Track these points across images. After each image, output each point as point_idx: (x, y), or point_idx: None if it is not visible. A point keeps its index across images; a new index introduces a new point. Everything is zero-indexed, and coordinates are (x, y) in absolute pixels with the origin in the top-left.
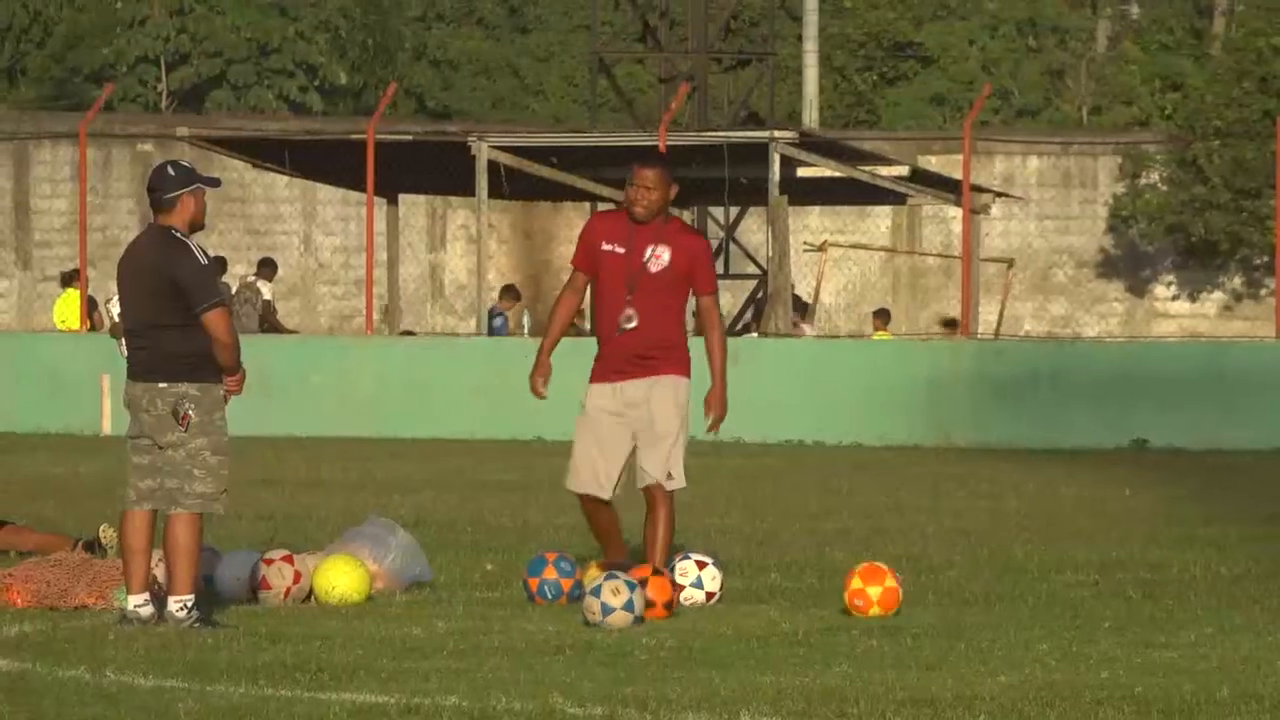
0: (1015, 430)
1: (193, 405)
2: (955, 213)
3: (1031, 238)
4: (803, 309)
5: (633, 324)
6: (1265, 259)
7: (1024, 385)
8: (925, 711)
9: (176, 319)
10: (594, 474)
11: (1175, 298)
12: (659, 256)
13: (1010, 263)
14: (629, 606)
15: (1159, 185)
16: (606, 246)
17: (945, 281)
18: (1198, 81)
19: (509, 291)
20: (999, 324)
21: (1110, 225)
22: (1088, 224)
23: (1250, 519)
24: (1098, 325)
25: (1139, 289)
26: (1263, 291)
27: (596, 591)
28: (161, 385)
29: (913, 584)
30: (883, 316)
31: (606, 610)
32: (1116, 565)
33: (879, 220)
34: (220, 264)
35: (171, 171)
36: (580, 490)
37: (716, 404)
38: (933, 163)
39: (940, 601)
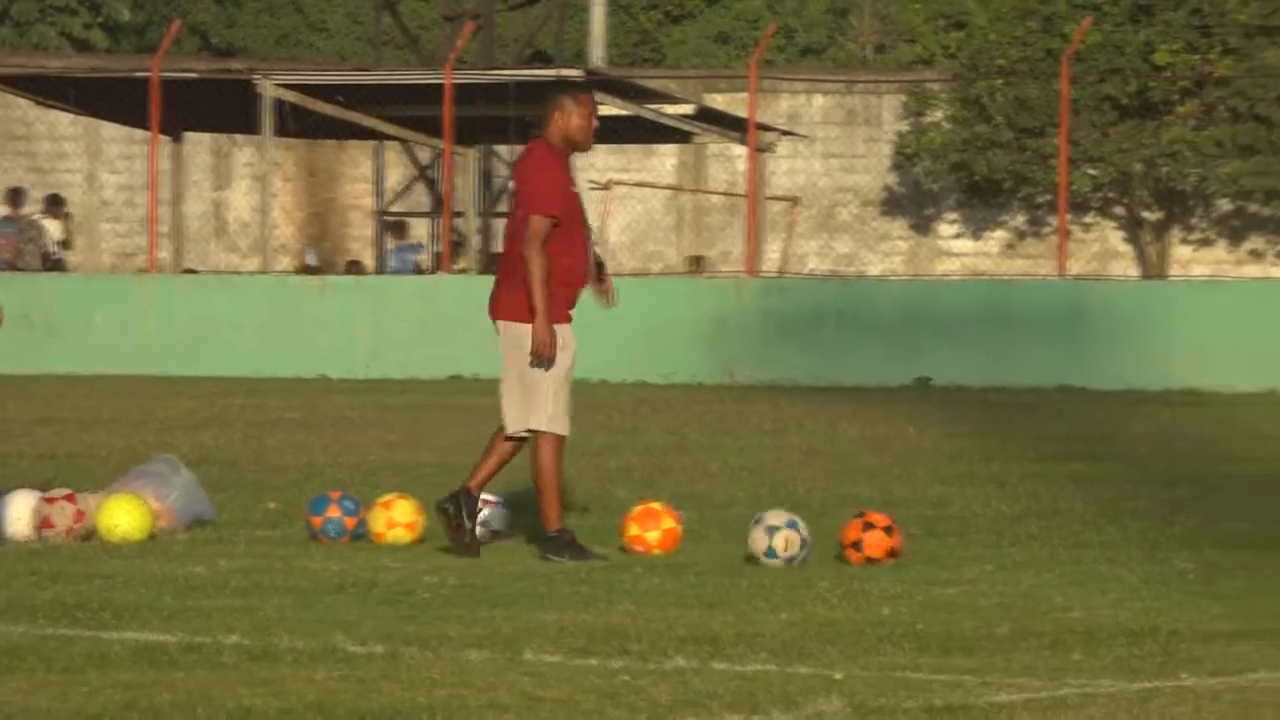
0: (799, 368)
1: None
2: (741, 151)
3: (816, 176)
4: None
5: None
6: (1048, 197)
7: (808, 323)
8: (706, 648)
9: None
10: (568, 415)
11: (959, 236)
12: (579, 190)
13: (795, 201)
14: (792, 524)
15: (943, 124)
16: (574, 189)
17: (730, 220)
18: (981, 20)
19: (400, 227)
20: (784, 262)
21: (894, 163)
22: (872, 162)
23: (1031, 456)
24: (882, 263)
25: (923, 227)
26: (1045, 230)
27: (758, 520)
28: None
29: (695, 521)
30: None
31: (771, 531)
32: (899, 502)
33: (665, 158)
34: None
35: None
36: (567, 432)
37: None
38: (718, 101)
39: (723, 539)
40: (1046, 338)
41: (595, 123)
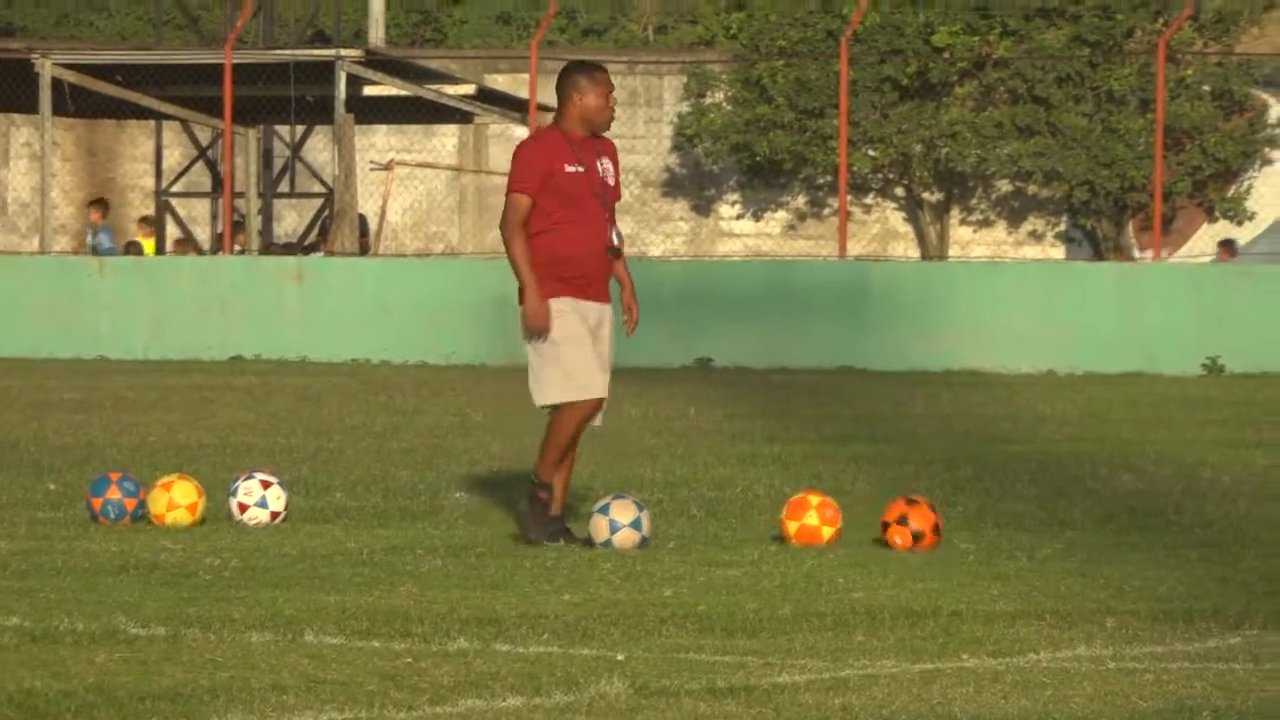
0: None
1: None
2: (522, 131)
3: None
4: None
5: (619, 243)
6: (828, 178)
7: None
8: (489, 630)
9: None
10: (596, 378)
11: (740, 217)
12: (608, 169)
13: None
14: (636, 525)
15: (724, 105)
16: (570, 169)
17: None
18: (762, 1)
19: (100, 204)
20: None
21: (675, 144)
22: (653, 143)
23: (813, 437)
24: (663, 244)
25: (704, 208)
26: (825, 211)
27: (604, 510)
28: None
29: (479, 503)
30: (149, 223)
31: (614, 528)
32: (680, 483)
33: (445, 139)
34: None
35: None
36: (589, 396)
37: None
38: (499, 82)
39: (505, 520)
40: (828, 319)
41: (614, 100)
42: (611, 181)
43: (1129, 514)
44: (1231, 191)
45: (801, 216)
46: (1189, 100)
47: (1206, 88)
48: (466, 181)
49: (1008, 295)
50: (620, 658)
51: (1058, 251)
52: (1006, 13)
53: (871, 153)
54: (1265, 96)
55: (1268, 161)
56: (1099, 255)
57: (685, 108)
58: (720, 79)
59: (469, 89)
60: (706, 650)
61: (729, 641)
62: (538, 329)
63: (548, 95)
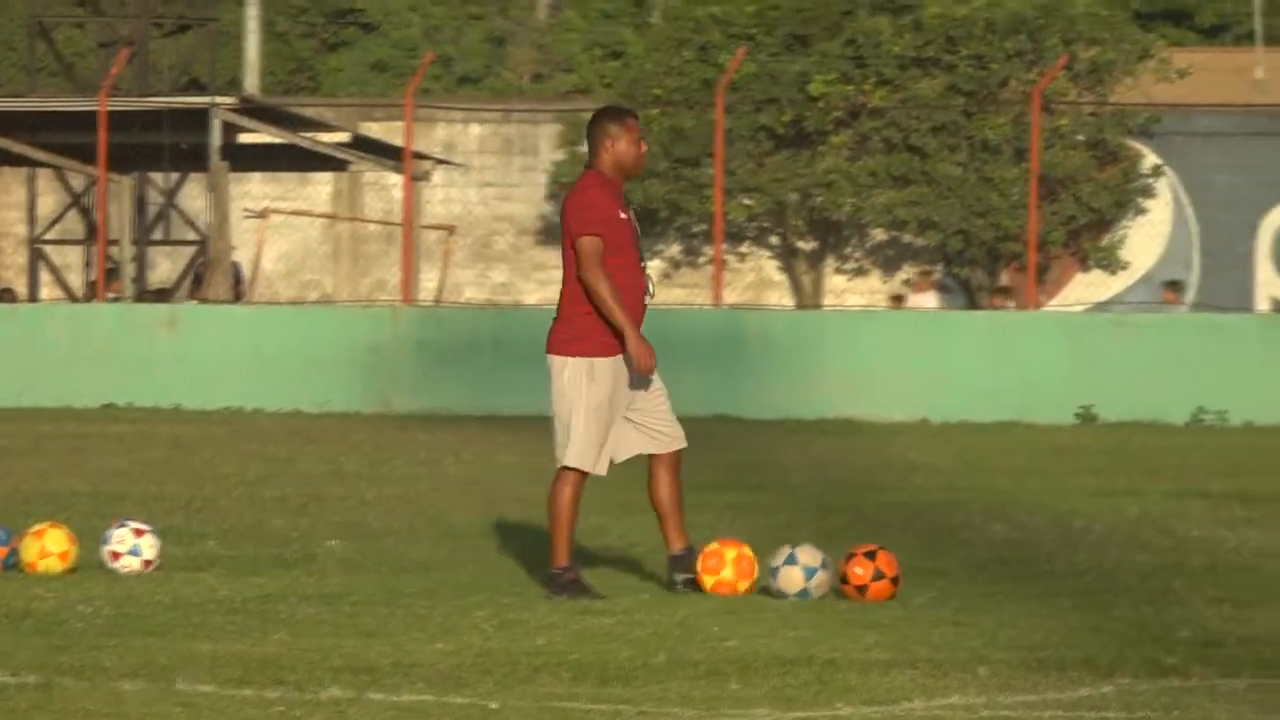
0: (456, 396)
1: None
2: (397, 179)
3: (473, 205)
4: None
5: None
6: (703, 227)
7: (464, 351)
8: (363, 678)
9: None
10: (604, 454)
11: None
12: (631, 215)
13: (451, 230)
14: (826, 565)
15: None
16: (623, 215)
17: (387, 248)
18: (638, 50)
19: None
20: (440, 291)
21: (551, 193)
22: (529, 191)
23: (688, 485)
24: (538, 293)
25: None
26: (701, 259)
27: (792, 560)
28: None
29: (353, 551)
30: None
31: (809, 573)
32: None
33: (320, 187)
34: None
35: None
36: (598, 471)
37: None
38: (375, 130)
39: (379, 569)
40: (702, 366)
41: (644, 145)
42: (637, 230)
43: (1002, 563)
44: (1105, 241)
45: (676, 265)
46: (1063, 150)
47: (1081, 137)
48: (341, 229)
49: (882, 344)
50: (494, 706)
51: (931, 300)
52: (882, 62)
53: (747, 201)
54: (1139, 146)
55: (1141, 211)
56: (973, 304)
57: (561, 156)
58: None
59: (344, 137)
60: (580, 699)
61: (603, 690)
62: (649, 367)
63: (423, 143)
